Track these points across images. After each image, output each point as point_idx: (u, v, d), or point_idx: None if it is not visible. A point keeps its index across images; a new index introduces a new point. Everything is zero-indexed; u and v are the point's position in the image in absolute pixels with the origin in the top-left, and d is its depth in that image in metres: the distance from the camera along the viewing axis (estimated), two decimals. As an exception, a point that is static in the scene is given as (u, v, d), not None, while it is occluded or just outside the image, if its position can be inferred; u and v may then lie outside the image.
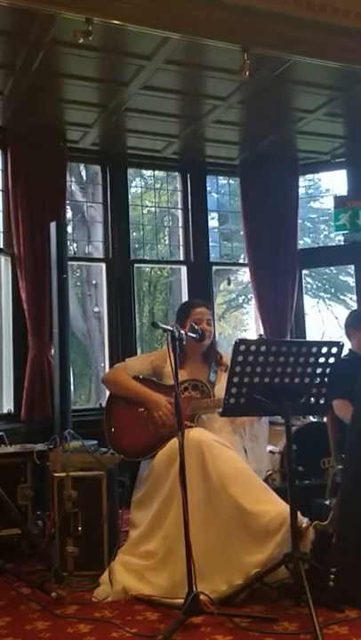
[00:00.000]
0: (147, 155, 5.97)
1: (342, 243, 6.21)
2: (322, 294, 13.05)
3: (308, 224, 11.46)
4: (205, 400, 3.33)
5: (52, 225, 4.94)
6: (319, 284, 12.87)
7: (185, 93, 4.96)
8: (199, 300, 3.65)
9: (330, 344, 2.91)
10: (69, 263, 6.30)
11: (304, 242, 10.42)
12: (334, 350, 2.92)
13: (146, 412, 3.31)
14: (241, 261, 6.59)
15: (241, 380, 2.82)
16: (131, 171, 6.34)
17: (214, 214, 8.45)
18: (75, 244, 7.85)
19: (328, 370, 2.94)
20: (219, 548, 2.94)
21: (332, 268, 10.65)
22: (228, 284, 9.48)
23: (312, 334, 8.32)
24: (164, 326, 2.88)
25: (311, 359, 2.89)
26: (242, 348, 2.78)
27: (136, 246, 6.58)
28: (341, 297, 12.76)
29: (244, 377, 2.82)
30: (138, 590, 2.96)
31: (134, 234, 6.51)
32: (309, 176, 7.41)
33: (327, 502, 3.74)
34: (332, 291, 12.92)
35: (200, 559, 2.87)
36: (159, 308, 10.64)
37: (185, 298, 6.04)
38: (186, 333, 3.08)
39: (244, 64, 4.19)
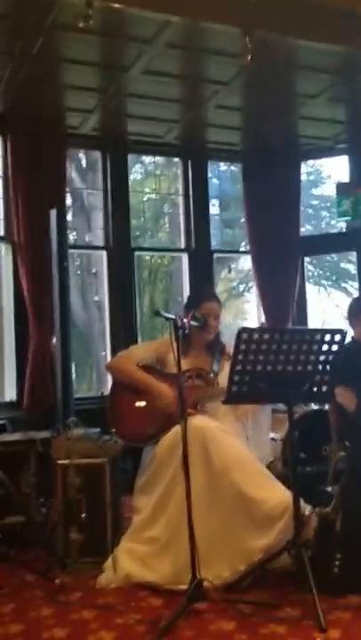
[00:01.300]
0: (147, 140, 5.92)
1: (344, 230, 6.18)
2: (323, 282, 13.03)
3: (310, 210, 11.42)
4: (209, 389, 3.33)
5: (53, 212, 4.91)
6: (320, 272, 12.84)
7: (186, 78, 4.92)
8: (212, 294, 3.64)
9: (333, 332, 2.90)
10: (69, 251, 6.31)
11: (306, 229, 10.39)
12: (337, 338, 2.91)
13: (150, 401, 3.31)
14: (242, 249, 6.57)
15: (244, 368, 2.82)
16: (131, 157, 6.29)
17: (215, 201, 8.41)
18: (74, 232, 7.81)
19: (331, 358, 2.93)
20: (222, 535, 2.95)
21: (333, 255, 10.61)
22: (229, 271, 9.46)
23: (313, 322, 8.32)
24: (166, 315, 2.86)
25: (314, 347, 2.89)
26: (245, 336, 2.77)
27: (137, 234, 6.55)
28: (343, 284, 12.74)
29: (247, 365, 2.82)
30: (141, 577, 2.98)
31: (134, 221, 6.47)
32: (311, 162, 7.36)
33: (329, 489, 3.75)
34: (334, 278, 12.90)
35: (203, 545, 2.88)
36: (160, 297, 10.61)
37: (186, 286, 6.02)
38: (188, 322, 3.07)
39: (246, 48, 4.14)
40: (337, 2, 4.16)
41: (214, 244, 6.37)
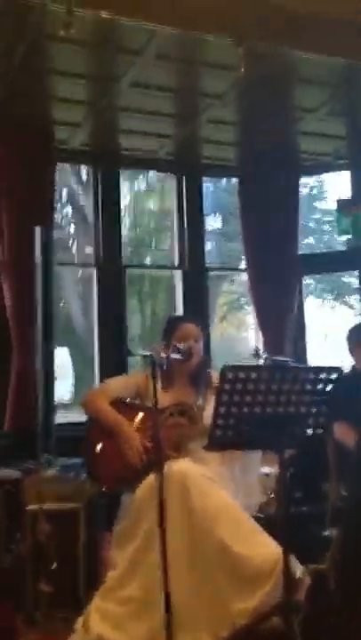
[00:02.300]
0: (140, 155, 5.68)
1: (345, 248, 5.91)
2: (326, 295, 12.77)
3: (312, 225, 11.16)
4: (192, 427, 3.05)
5: (37, 230, 4.66)
6: (321, 285, 12.58)
7: (178, 91, 4.69)
8: (187, 316, 3.38)
9: (328, 370, 2.62)
10: (61, 267, 6.07)
11: (307, 243, 10.12)
12: (334, 376, 2.63)
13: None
14: (240, 265, 6.29)
15: (228, 410, 2.53)
16: (123, 172, 6.05)
17: (217, 215, 8.19)
18: (74, 247, 7.64)
19: (326, 398, 2.65)
20: (203, 596, 2.67)
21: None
22: (232, 283, 9.25)
23: (314, 340, 8.03)
24: (140, 353, 2.60)
25: (308, 386, 2.61)
26: (230, 375, 2.49)
27: (129, 250, 6.30)
28: (345, 298, 12.48)
29: (231, 407, 2.53)
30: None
31: (126, 239, 6.22)
32: (313, 177, 7.10)
33: (327, 533, 3.47)
34: (336, 292, 12.63)
35: (182, 607, 2.61)
36: (162, 308, 10.33)
37: (180, 306, 5.76)
38: (168, 356, 2.81)
39: (240, 59, 3.90)
40: (337, 12, 3.93)
41: (209, 261, 6.10)
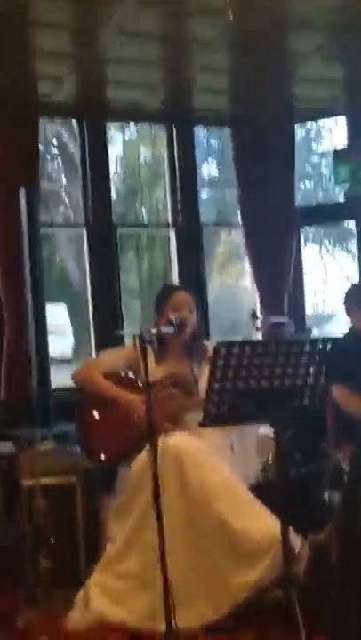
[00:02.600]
0: (128, 107, 5.44)
1: (343, 198, 5.73)
2: (324, 241, 12.57)
3: (310, 169, 10.85)
4: (189, 399, 2.98)
5: (22, 190, 4.49)
6: (321, 231, 12.36)
7: (165, 37, 4.44)
8: (177, 286, 3.27)
9: (323, 341, 2.53)
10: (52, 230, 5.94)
11: (305, 190, 9.86)
12: (329, 347, 2.54)
13: (119, 415, 2.95)
14: (237, 214, 6.08)
15: (222, 386, 2.45)
16: (111, 125, 5.82)
17: (209, 164, 7.94)
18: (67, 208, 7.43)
19: (323, 368, 2.56)
20: (203, 571, 2.64)
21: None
22: (229, 233, 9.08)
23: (312, 293, 7.90)
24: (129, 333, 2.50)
25: (303, 358, 2.52)
26: (223, 351, 2.40)
27: (120, 207, 6.12)
28: (345, 244, 12.28)
29: (226, 382, 2.45)
30: (114, 616, 2.68)
31: (118, 195, 6.04)
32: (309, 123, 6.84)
33: (326, 496, 3.44)
34: (335, 238, 12.43)
35: (182, 583, 2.58)
36: (159, 262, 10.16)
37: (174, 263, 5.63)
38: (159, 333, 2.71)
39: (228, 2, 3.68)
40: None
41: (204, 215, 5.88)
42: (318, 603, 2.48)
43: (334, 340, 2.58)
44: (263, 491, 3.08)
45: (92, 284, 5.36)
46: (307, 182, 10.27)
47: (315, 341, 2.54)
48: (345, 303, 3.69)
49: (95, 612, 2.70)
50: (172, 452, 2.74)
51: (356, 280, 5.98)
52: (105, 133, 5.50)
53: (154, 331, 2.63)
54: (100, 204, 5.37)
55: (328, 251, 12.54)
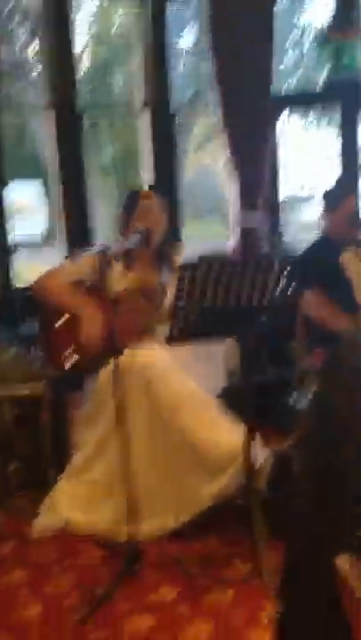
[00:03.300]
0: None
1: (325, 82, 5.38)
2: (310, 115, 12.05)
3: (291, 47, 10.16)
4: (156, 310, 2.90)
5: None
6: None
7: None
8: (144, 191, 3.10)
9: (293, 262, 2.45)
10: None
11: (285, 65, 9.31)
12: (300, 267, 2.45)
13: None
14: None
15: (190, 303, 2.37)
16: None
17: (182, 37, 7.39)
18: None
19: (290, 289, 2.48)
20: (168, 482, 2.68)
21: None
22: (205, 106, 8.65)
23: (298, 157, 7.56)
24: (91, 251, 2.37)
25: (271, 277, 2.43)
26: (187, 272, 2.30)
27: (84, 88, 5.71)
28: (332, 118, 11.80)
29: (192, 300, 2.36)
30: (80, 523, 2.75)
31: (81, 73, 5.60)
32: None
33: (292, 402, 3.47)
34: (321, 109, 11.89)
35: (147, 493, 2.65)
36: (125, 149, 9.74)
37: (146, 149, 5.34)
38: (124, 247, 2.59)
39: None
40: None
41: (181, 94, 5.51)
42: (279, 513, 2.55)
43: (304, 261, 2.48)
44: (228, 397, 3.11)
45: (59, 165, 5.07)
46: (286, 60, 9.69)
47: (285, 263, 2.44)
48: (323, 204, 3.55)
49: (61, 518, 2.76)
50: (139, 366, 2.71)
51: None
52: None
53: (114, 248, 2.50)
54: (65, 80, 4.98)
55: (312, 123, 12.10)
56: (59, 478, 2.90)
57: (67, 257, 3.45)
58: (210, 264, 2.32)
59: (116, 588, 2.32)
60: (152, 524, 2.62)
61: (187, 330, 2.42)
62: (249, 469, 2.53)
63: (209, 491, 2.63)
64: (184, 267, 2.28)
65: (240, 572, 2.42)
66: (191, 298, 2.36)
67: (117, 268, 2.93)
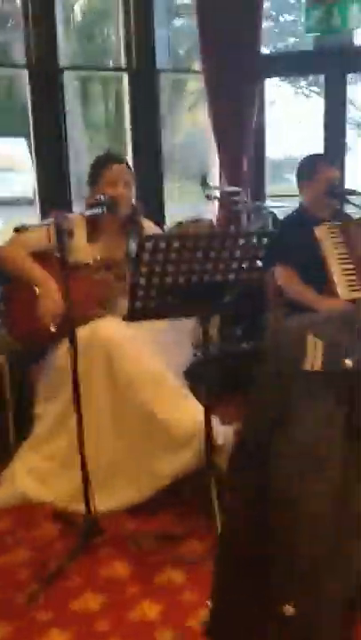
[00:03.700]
0: None
1: (313, 48, 5.21)
2: (300, 83, 11.79)
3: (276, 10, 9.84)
4: (119, 284, 2.83)
5: None
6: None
7: None
8: (115, 156, 2.99)
9: (259, 234, 2.37)
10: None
11: (271, 32, 9.06)
12: (265, 241, 2.38)
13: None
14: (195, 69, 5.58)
15: (149, 281, 2.30)
16: None
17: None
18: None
19: (256, 263, 2.42)
20: (127, 457, 2.66)
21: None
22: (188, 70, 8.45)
23: (290, 126, 7.36)
24: (44, 223, 2.28)
25: (237, 252, 2.36)
26: (148, 245, 2.22)
27: (66, 50, 5.53)
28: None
29: (152, 278, 2.30)
30: (38, 495, 2.73)
31: (62, 34, 5.40)
32: None
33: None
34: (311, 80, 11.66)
35: (107, 467, 2.65)
36: (117, 107, 9.53)
37: (127, 114, 5.20)
38: (86, 213, 2.50)
39: None
40: None
41: (161, 61, 5.35)
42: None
43: (271, 234, 2.40)
44: (194, 371, 3.08)
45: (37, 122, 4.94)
46: (272, 23, 9.41)
47: (250, 234, 2.37)
48: (297, 176, 3.46)
49: (20, 491, 2.73)
50: (101, 341, 2.66)
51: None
52: None
53: (73, 214, 2.41)
54: (43, 44, 4.81)
55: (302, 92, 11.87)
56: (19, 450, 2.86)
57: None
58: (170, 240, 2.25)
59: (69, 563, 2.31)
60: (111, 498, 2.61)
61: (145, 309, 2.36)
62: (209, 447, 2.52)
63: (168, 467, 2.60)
64: (142, 244, 2.20)
65: (196, 552, 2.40)
66: (151, 276, 2.30)
67: (80, 238, 2.85)
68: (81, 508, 2.52)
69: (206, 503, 2.49)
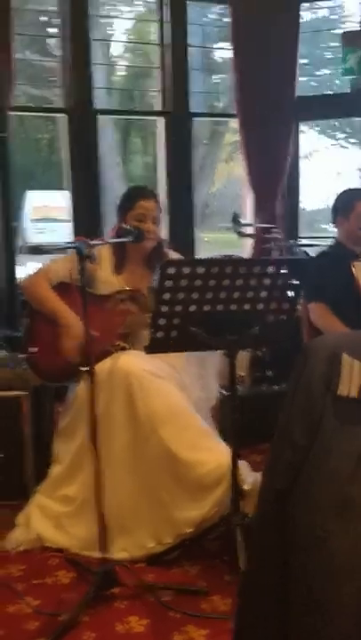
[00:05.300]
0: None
1: (350, 90, 5.17)
2: (338, 134, 11.79)
3: (307, 63, 9.89)
4: (144, 316, 2.71)
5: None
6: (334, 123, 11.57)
7: None
8: (146, 190, 2.92)
9: (291, 262, 2.24)
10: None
11: (307, 83, 9.09)
12: (296, 268, 2.24)
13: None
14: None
15: (172, 309, 2.18)
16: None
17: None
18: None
19: (287, 293, 2.28)
20: (146, 500, 2.48)
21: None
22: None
23: (327, 178, 7.30)
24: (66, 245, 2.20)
25: (266, 281, 2.23)
26: (170, 271, 2.11)
27: (103, 93, 5.60)
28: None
29: (175, 306, 2.18)
30: (53, 540, 2.56)
31: (100, 77, 5.48)
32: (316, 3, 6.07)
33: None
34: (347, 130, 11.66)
35: (124, 510, 2.46)
36: (147, 160, 9.63)
37: (162, 157, 5.20)
38: (107, 241, 2.41)
39: None
40: None
41: (194, 105, 5.36)
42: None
43: (303, 261, 2.26)
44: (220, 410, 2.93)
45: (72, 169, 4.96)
46: (310, 69, 9.46)
47: (280, 262, 2.24)
48: (333, 211, 3.34)
49: (35, 534, 2.57)
50: (121, 374, 2.52)
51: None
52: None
53: (99, 245, 2.32)
54: (80, 87, 4.87)
55: (341, 144, 11.84)
56: (35, 492, 2.71)
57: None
58: (194, 266, 2.13)
59: (81, 615, 2.12)
60: (129, 545, 2.43)
61: (167, 339, 2.22)
62: (235, 492, 2.33)
63: (190, 515, 2.42)
64: (164, 269, 2.08)
65: (218, 609, 2.19)
66: (174, 304, 2.17)
67: (106, 269, 2.77)
68: (96, 554, 2.35)
69: (231, 554, 2.30)
